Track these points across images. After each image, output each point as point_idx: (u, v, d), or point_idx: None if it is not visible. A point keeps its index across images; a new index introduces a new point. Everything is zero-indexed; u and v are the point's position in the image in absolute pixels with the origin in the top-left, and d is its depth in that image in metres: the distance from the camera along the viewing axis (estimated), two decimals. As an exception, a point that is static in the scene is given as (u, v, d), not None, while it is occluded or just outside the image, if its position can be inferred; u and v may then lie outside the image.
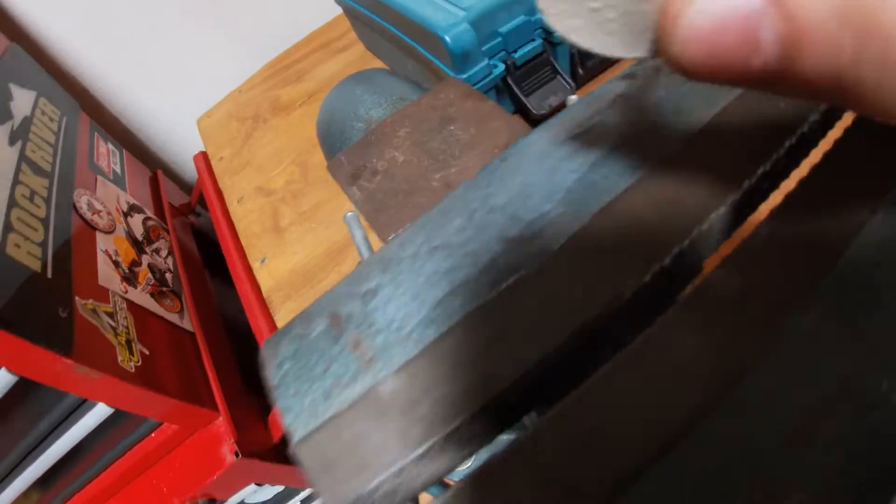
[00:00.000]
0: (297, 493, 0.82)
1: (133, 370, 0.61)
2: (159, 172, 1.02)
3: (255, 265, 0.75)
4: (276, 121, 0.95)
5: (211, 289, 0.87)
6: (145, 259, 0.76)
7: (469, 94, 0.47)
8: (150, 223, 0.85)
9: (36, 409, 0.58)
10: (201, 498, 0.66)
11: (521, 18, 0.59)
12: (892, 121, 0.10)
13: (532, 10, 0.59)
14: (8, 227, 0.54)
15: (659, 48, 0.12)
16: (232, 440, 0.64)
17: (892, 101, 0.09)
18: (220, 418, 0.66)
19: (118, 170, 0.87)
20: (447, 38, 0.56)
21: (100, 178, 0.78)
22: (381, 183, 0.45)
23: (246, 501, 0.77)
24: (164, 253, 0.82)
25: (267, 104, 0.98)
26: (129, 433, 0.64)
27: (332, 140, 0.53)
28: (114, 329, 0.60)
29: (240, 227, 0.81)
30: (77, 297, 0.57)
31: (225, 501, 0.70)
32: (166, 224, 0.89)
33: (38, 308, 0.52)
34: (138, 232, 0.79)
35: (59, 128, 0.75)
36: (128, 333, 0.62)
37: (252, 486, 0.70)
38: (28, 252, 0.55)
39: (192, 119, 1.05)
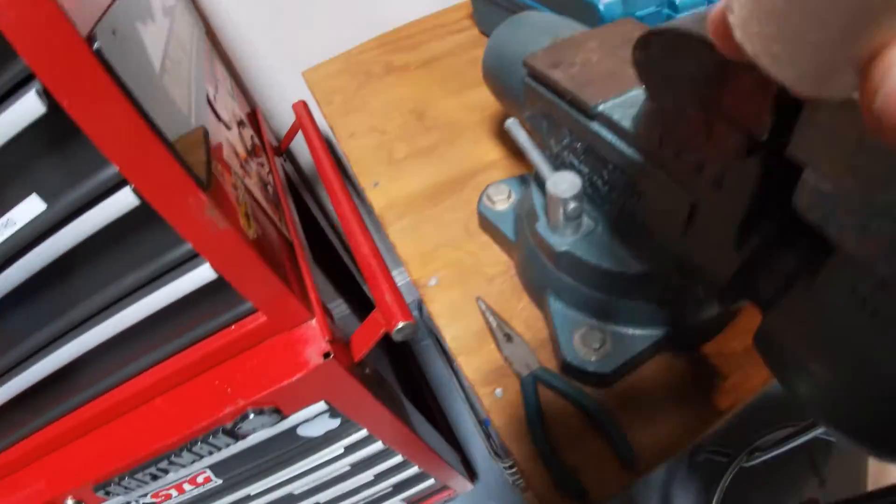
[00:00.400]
0: (348, 433, 0.75)
1: (253, 237, 0.56)
2: (258, 110, 1.01)
3: (367, 187, 0.72)
4: (390, 78, 0.94)
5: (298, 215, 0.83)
6: (253, 163, 0.73)
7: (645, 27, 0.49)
8: (255, 142, 0.83)
9: (139, 252, 0.53)
10: (267, 404, 0.60)
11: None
12: None
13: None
14: (163, 69, 0.52)
15: (859, 95, 0.11)
16: (325, 339, 0.59)
17: None
18: (314, 320, 0.61)
19: (231, 92, 0.85)
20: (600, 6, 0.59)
21: (220, 87, 0.76)
22: (581, 70, 0.46)
23: (299, 432, 0.70)
24: (265, 169, 0.79)
25: (380, 66, 0.98)
26: (215, 316, 0.59)
27: (507, 68, 0.56)
28: (236, 199, 0.56)
29: (351, 157, 0.78)
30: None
31: (287, 417, 0.63)
32: (266, 152, 0.87)
33: (187, 139, 0.48)
34: (247, 143, 0.77)
35: (191, 36, 0.74)
36: (246, 208, 0.58)
37: (318, 408, 0.64)
38: (178, 94, 0.52)
39: (296, 70, 1.05)
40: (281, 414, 0.62)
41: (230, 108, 0.77)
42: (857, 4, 0.10)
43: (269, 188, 0.77)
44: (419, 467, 0.96)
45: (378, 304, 0.60)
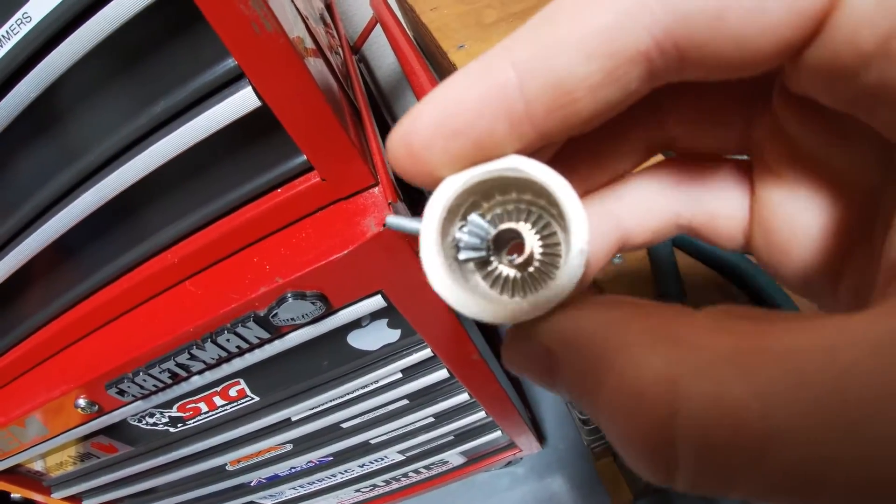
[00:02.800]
0: (408, 350, 0.62)
1: (314, 54, 0.44)
2: (332, 3, 0.90)
3: (451, 50, 0.59)
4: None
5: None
6: (322, 30, 0.61)
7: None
8: (330, 31, 0.71)
9: (169, 69, 0.41)
10: (311, 288, 0.48)
11: None
12: None
13: None
14: None
15: None
16: (388, 201, 0.46)
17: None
18: (378, 188, 0.48)
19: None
20: None
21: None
22: None
23: (349, 341, 0.58)
24: (336, 42, 0.68)
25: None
26: (260, 170, 0.47)
27: None
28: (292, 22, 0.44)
29: (432, 27, 0.66)
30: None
31: (336, 311, 0.51)
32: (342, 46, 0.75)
33: None
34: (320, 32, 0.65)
35: None
36: (304, 32, 0.46)
37: (374, 303, 0.51)
38: None
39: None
40: (327, 303, 0.50)
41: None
42: None
43: (339, 58, 0.65)
44: (487, 412, 0.82)
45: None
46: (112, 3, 0.36)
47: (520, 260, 0.15)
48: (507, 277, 0.15)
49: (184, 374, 0.54)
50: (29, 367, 0.60)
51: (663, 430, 0.10)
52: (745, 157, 0.17)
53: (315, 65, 0.46)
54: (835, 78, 0.11)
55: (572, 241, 0.13)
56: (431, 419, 0.81)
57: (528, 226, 0.15)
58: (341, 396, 0.68)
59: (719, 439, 0.09)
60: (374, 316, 0.56)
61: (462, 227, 0.15)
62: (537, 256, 0.15)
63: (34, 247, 0.48)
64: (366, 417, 0.75)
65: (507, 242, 0.15)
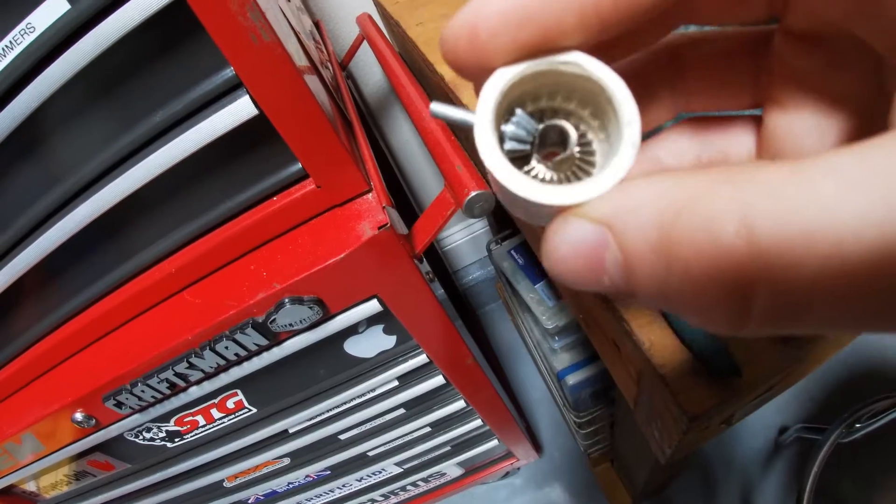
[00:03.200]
0: (404, 356, 0.63)
1: (307, 68, 0.45)
2: (320, 22, 0.92)
3: (438, 63, 0.61)
4: (460, -25, 0.82)
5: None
6: (313, 46, 0.62)
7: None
8: (320, 47, 0.73)
9: (168, 79, 0.42)
10: (308, 292, 0.49)
11: None
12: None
13: None
14: None
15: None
16: (381, 205, 0.47)
17: (701, 314, 0.11)
18: (371, 194, 0.50)
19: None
20: None
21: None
22: None
23: (346, 348, 0.58)
24: (325, 56, 0.69)
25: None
26: (256, 178, 0.48)
27: None
28: (284, 34, 0.45)
29: (419, 41, 0.67)
30: None
31: (332, 316, 0.52)
32: (331, 62, 0.77)
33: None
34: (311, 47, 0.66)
35: None
36: (297, 45, 0.47)
37: (369, 308, 0.52)
38: None
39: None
40: (324, 308, 0.50)
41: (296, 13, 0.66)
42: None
43: (329, 72, 0.66)
44: (483, 420, 0.83)
45: (447, 177, 0.48)
46: (114, 15, 0.37)
47: (562, 156, 0.15)
48: (544, 177, 0.15)
49: (182, 384, 0.54)
50: (24, 382, 0.60)
51: (741, 266, 0.10)
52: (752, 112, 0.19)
53: (308, 76, 0.47)
54: None
55: (624, 132, 0.13)
56: (428, 429, 0.81)
57: (572, 127, 0.15)
58: (338, 406, 0.68)
59: (796, 246, 0.09)
60: (371, 321, 0.57)
61: (509, 119, 0.15)
62: (577, 155, 0.15)
63: (32, 258, 0.48)
64: (363, 428, 0.76)
65: (548, 144, 0.16)
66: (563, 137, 0.15)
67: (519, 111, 0.15)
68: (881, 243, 0.09)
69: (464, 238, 1.41)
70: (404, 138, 1.17)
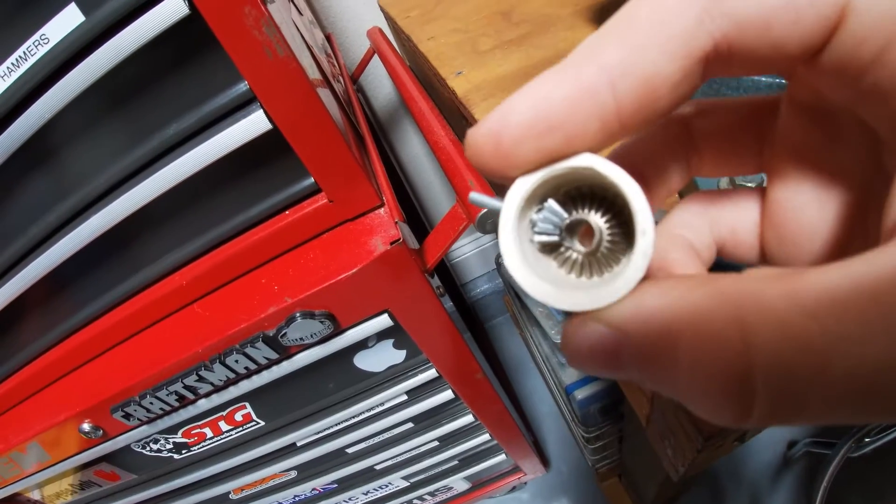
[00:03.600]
0: (414, 371, 0.63)
1: (320, 82, 0.46)
2: (332, 35, 0.92)
3: (449, 77, 0.61)
4: (471, -9, 0.83)
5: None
6: (325, 60, 0.63)
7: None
8: (332, 61, 0.73)
9: (183, 92, 0.42)
10: (319, 307, 0.48)
11: None
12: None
13: None
14: None
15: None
16: (394, 220, 0.47)
17: (707, 413, 0.12)
18: (384, 209, 0.50)
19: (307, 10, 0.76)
20: None
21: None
22: None
23: (356, 362, 0.58)
24: (337, 70, 0.69)
25: (460, -17, 0.87)
26: (269, 192, 0.48)
27: None
28: (298, 48, 0.45)
29: (430, 55, 0.67)
30: None
31: (343, 331, 0.52)
32: (343, 76, 0.77)
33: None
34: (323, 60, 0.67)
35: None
36: (310, 58, 0.47)
37: (380, 323, 0.52)
38: None
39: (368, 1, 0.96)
40: (335, 322, 0.50)
41: (307, 16, 0.67)
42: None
43: (341, 86, 0.66)
44: (491, 434, 0.82)
45: (459, 192, 0.48)
46: (129, 27, 0.37)
47: (589, 248, 0.16)
48: (575, 260, 0.16)
49: (191, 396, 0.54)
50: (33, 391, 0.60)
51: (740, 365, 0.11)
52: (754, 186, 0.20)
53: (321, 90, 0.48)
54: (840, 75, 0.14)
55: (638, 241, 0.14)
56: (436, 443, 0.81)
57: (598, 214, 0.16)
58: (346, 420, 0.68)
59: (790, 360, 0.11)
60: (381, 336, 0.56)
61: (539, 209, 0.16)
62: (605, 243, 0.16)
63: (45, 266, 0.48)
64: (371, 442, 0.75)
65: (578, 227, 0.16)
66: (590, 230, 0.16)
67: (550, 202, 0.15)
68: (860, 362, 0.10)
69: (472, 251, 1.41)
70: (414, 151, 1.17)
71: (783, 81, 0.46)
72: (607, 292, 0.14)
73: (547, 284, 0.14)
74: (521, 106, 0.14)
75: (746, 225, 0.19)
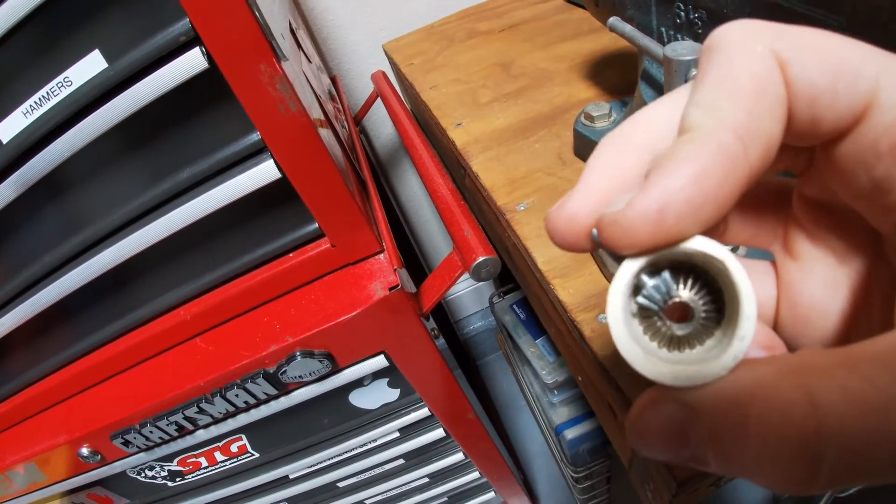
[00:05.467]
0: (406, 409, 0.64)
1: (327, 132, 0.48)
2: (336, 77, 0.96)
3: (449, 128, 0.64)
4: (473, 41, 0.87)
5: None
6: (331, 106, 0.66)
7: None
8: (336, 105, 0.76)
9: (199, 139, 0.45)
10: (319, 347, 0.51)
11: None
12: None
13: None
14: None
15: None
16: (393, 267, 0.50)
17: (775, 483, 0.13)
18: (384, 255, 0.52)
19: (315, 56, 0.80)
20: None
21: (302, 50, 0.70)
22: None
23: (351, 400, 0.60)
24: (342, 117, 0.72)
25: (463, 32, 0.91)
26: (275, 235, 0.51)
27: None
28: (307, 102, 0.48)
29: (432, 104, 0.71)
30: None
31: (340, 370, 0.54)
32: (346, 118, 0.80)
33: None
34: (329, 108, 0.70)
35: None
36: (318, 113, 0.50)
37: (376, 363, 0.54)
38: None
39: (374, 43, 1.00)
40: (333, 362, 0.52)
41: (315, 62, 0.70)
42: None
43: (345, 131, 0.69)
44: (480, 472, 0.84)
45: (456, 241, 0.51)
46: (150, 76, 0.40)
47: (681, 330, 0.16)
48: (664, 332, 0.16)
49: (190, 427, 0.56)
50: (35, 412, 0.62)
51: (810, 428, 0.12)
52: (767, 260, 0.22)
53: (327, 139, 0.50)
54: (855, 165, 0.15)
55: (741, 325, 0.14)
56: (426, 479, 0.82)
57: (698, 297, 0.16)
58: (340, 454, 0.70)
59: (853, 421, 0.11)
60: (376, 375, 0.58)
61: (651, 274, 0.16)
62: (699, 321, 0.16)
63: (60, 292, 0.50)
64: (362, 476, 0.77)
65: (674, 312, 0.16)
66: (687, 310, 0.16)
67: (665, 274, 0.16)
68: None
69: (467, 289, 1.43)
70: (413, 191, 1.20)
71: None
72: (697, 373, 0.14)
73: (637, 348, 0.15)
74: (682, 182, 0.14)
75: (764, 299, 0.20)
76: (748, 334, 0.14)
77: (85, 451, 0.58)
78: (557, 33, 0.80)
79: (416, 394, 0.62)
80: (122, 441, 0.56)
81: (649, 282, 0.16)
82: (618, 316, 0.15)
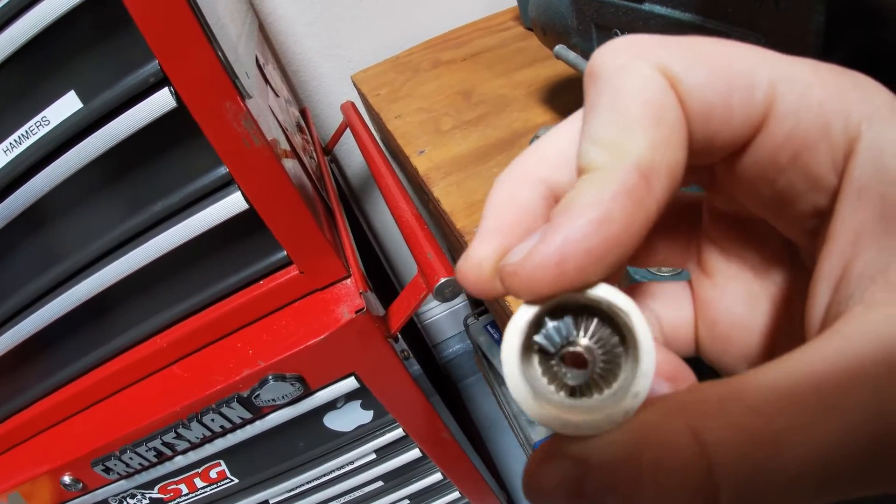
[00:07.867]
0: (381, 430, 0.66)
1: (293, 163, 0.51)
2: (307, 109, 0.98)
3: (412, 155, 0.67)
4: (437, 71, 0.90)
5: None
6: (298, 137, 0.69)
7: None
8: (305, 137, 0.79)
9: (168, 174, 0.48)
10: (291, 370, 0.53)
11: None
12: None
13: None
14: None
15: None
16: (359, 290, 0.52)
17: None
18: (350, 279, 0.54)
19: (283, 89, 0.82)
20: None
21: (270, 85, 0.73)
22: None
23: (326, 423, 0.62)
24: (311, 148, 0.75)
25: (427, 62, 0.95)
26: (244, 264, 0.53)
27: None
28: (274, 137, 0.51)
29: (396, 133, 0.74)
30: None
31: (313, 392, 0.56)
32: (316, 150, 0.83)
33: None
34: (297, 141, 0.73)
35: (244, 22, 0.71)
36: (284, 144, 0.53)
37: (347, 385, 0.56)
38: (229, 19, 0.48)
39: (343, 75, 1.03)
40: (305, 385, 0.54)
41: (283, 96, 0.73)
42: None
43: (313, 162, 0.72)
44: (461, 492, 0.85)
45: (419, 263, 0.53)
46: (123, 115, 0.42)
47: (576, 381, 0.15)
48: (560, 377, 0.15)
49: (169, 452, 0.57)
50: (17, 442, 0.63)
51: (700, 467, 0.12)
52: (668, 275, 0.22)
53: (293, 170, 0.53)
54: (757, 177, 0.14)
55: (631, 386, 0.14)
56: (407, 501, 0.83)
57: (598, 345, 0.15)
58: (318, 478, 0.71)
59: (744, 454, 0.11)
60: (349, 397, 0.60)
61: (553, 316, 0.15)
62: (595, 371, 0.15)
63: (38, 324, 0.52)
64: (343, 500, 0.78)
65: (571, 360, 0.16)
66: (584, 360, 0.15)
67: (567, 319, 0.15)
68: (808, 449, 0.11)
69: (443, 312, 1.45)
70: (385, 217, 1.23)
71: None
72: (587, 423, 0.13)
73: (528, 389, 0.14)
74: (582, 231, 0.13)
75: (682, 321, 0.20)
76: (643, 391, 0.13)
77: (67, 479, 0.59)
78: (517, 60, 0.84)
79: (389, 415, 0.63)
80: (104, 468, 0.57)
81: (550, 323, 0.15)
82: (511, 355, 0.14)
